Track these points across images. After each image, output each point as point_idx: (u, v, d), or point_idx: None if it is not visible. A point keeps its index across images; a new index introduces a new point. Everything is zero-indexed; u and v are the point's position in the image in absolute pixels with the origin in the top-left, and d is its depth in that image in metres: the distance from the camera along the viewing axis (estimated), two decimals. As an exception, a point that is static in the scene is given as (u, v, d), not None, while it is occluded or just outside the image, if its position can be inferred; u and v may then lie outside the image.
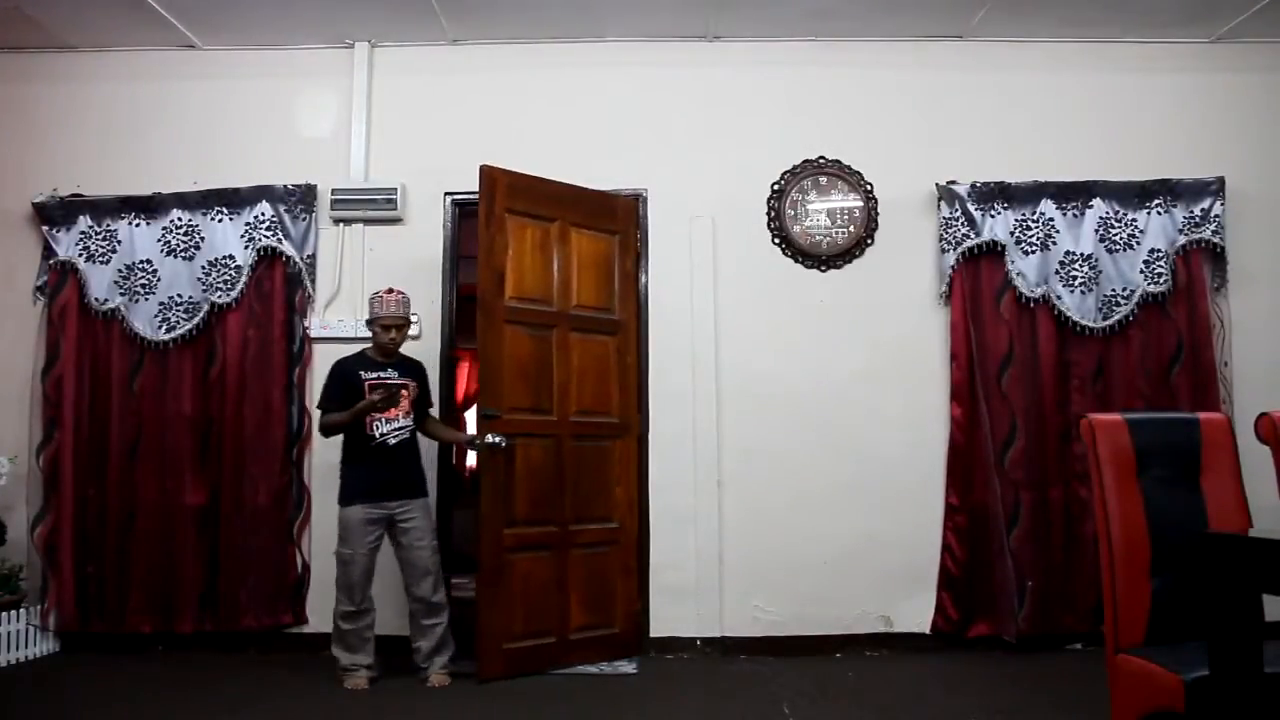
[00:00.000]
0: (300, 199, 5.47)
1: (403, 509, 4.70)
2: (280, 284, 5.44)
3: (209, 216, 5.46)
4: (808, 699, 4.40)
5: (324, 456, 5.34)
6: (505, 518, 4.83)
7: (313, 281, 5.48)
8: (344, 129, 5.61)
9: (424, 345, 5.36)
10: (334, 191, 5.47)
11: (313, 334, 5.45)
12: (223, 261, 5.41)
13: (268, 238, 5.41)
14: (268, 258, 5.45)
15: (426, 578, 4.72)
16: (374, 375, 4.72)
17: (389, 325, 4.75)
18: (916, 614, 5.26)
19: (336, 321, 5.45)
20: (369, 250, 5.51)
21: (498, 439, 4.73)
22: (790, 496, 5.31)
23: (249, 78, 5.68)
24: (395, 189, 5.44)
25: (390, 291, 4.77)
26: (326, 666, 4.94)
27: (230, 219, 5.45)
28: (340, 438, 4.75)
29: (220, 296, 5.38)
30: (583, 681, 4.76)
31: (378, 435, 4.67)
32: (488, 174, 4.94)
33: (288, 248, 5.42)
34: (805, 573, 5.27)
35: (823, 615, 5.24)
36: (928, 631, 5.25)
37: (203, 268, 5.41)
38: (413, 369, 4.89)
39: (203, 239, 5.45)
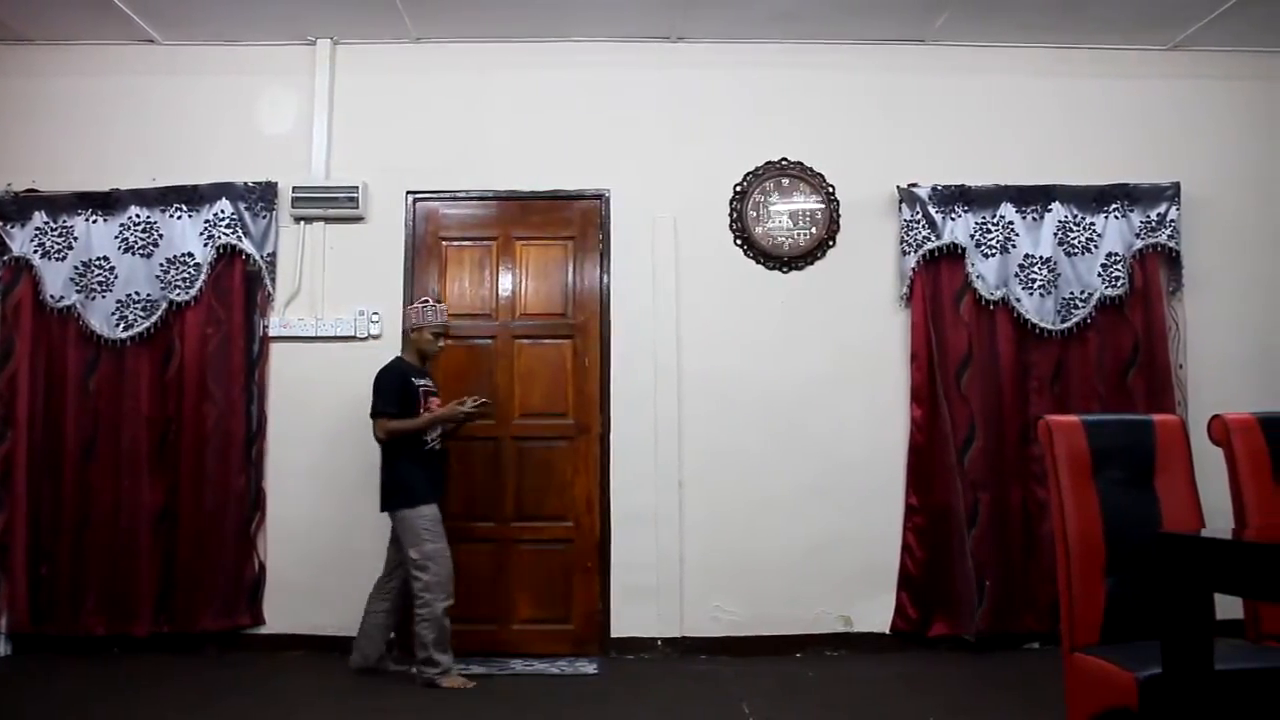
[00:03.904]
0: (261, 196, 5.41)
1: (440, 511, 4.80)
2: (240, 282, 5.37)
3: (168, 213, 5.39)
4: (768, 699, 4.41)
5: (282, 456, 5.34)
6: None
7: (273, 280, 5.43)
8: (305, 126, 5.55)
9: (385, 345, 5.32)
10: (295, 189, 5.41)
11: (272, 333, 5.39)
12: (181, 259, 5.34)
13: (227, 235, 5.34)
14: (227, 256, 5.38)
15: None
16: (423, 382, 4.83)
17: (439, 334, 4.88)
18: (876, 614, 5.28)
19: (297, 320, 5.40)
20: (330, 249, 5.47)
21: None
22: (751, 497, 5.32)
23: (209, 74, 5.61)
24: (357, 187, 5.40)
25: (440, 301, 4.94)
26: (286, 667, 4.98)
27: (189, 216, 5.39)
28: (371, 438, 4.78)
29: (179, 294, 5.31)
30: (543, 681, 4.76)
31: (429, 440, 4.78)
32: (424, 211, 5.51)
33: (247, 246, 5.36)
34: (766, 573, 5.28)
35: (783, 615, 5.25)
36: (887, 631, 5.27)
37: (161, 265, 5.35)
38: (432, 379, 4.96)
39: (161, 236, 5.37)
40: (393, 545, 4.81)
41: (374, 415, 4.70)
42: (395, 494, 4.69)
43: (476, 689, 4.57)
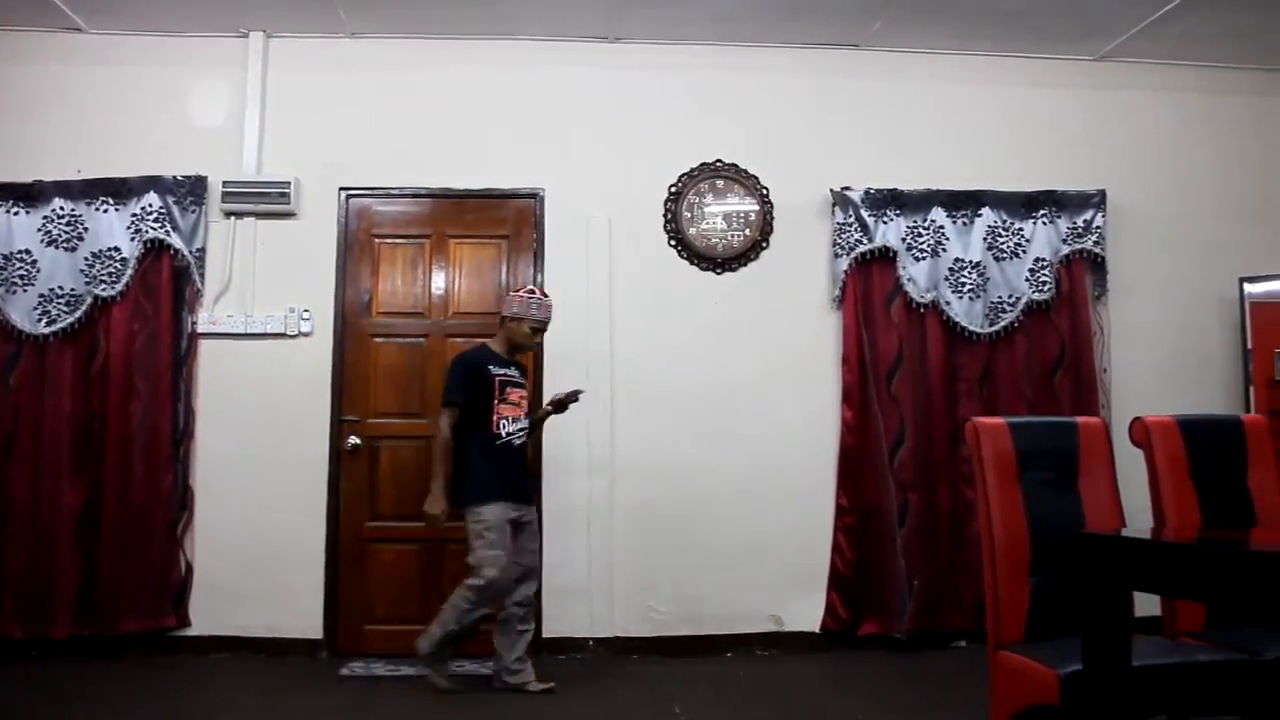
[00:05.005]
0: (190, 190, 5.31)
1: (526, 513, 4.61)
2: (168, 278, 5.26)
3: (93, 206, 5.26)
4: (699, 699, 4.44)
5: (210, 455, 5.24)
6: (368, 510, 5.28)
7: (202, 276, 5.33)
8: (237, 120, 5.45)
9: (315, 342, 5.30)
10: (225, 184, 5.32)
11: (201, 329, 5.30)
12: (107, 253, 5.22)
13: (155, 230, 5.23)
14: (155, 250, 5.26)
15: (532, 581, 4.64)
16: (502, 371, 4.59)
17: (539, 329, 4.67)
18: (807, 613, 5.32)
19: (225, 317, 5.31)
20: (260, 245, 5.38)
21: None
22: (683, 497, 5.33)
23: (138, 64, 5.49)
24: (289, 182, 5.32)
25: (546, 295, 4.70)
26: (210, 669, 4.91)
27: (116, 210, 5.26)
28: (450, 434, 4.51)
29: (104, 290, 5.19)
30: (474, 682, 4.71)
31: (504, 434, 4.54)
32: (357, 208, 5.48)
33: (176, 240, 5.26)
34: (698, 573, 5.30)
35: (715, 615, 5.28)
36: (818, 631, 5.32)
37: (86, 259, 5.21)
38: (523, 369, 4.79)
39: (86, 230, 5.24)
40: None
41: (442, 403, 4.53)
42: (458, 488, 4.49)
43: (460, 690, 4.49)
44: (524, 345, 4.70)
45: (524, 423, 4.65)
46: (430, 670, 4.49)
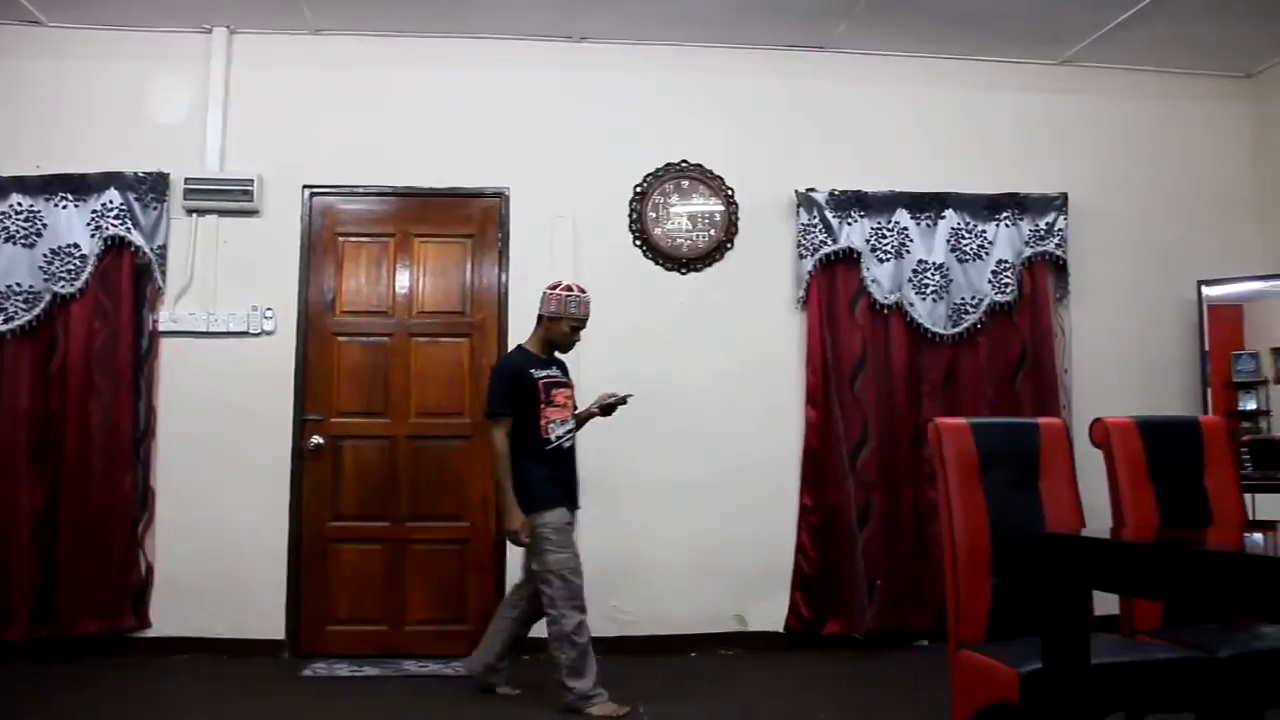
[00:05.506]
0: (151, 187, 5.25)
1: (574, 519, 4.45)
2: (128, 275, 5.20)
3: (52, 203, 5.19)
4: (663, 699, 4.43)
5: (172, 454, 5.19)
6: (331, 510, 5.23)
7: (163, 274, 5.27)
8: (200, 116, 5.39)
9: (278, 341, 5.26)
10: (188, 180, 5.26)
11: (162, 328, 5.24)
12: (66, 250, 5.15)
13: (116, 227, 5.17)
14: (115, 247, 5.19)
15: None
16: (545, 373, 4.39)
17: (578, 326, 4.47)
18: (771, 613, 5.34)
19: (187, 315, 5.26)
20: (223, 243, 5.33)
21: None
22: (648, 497, 5.34)
23: (99, 58, 5.42)
24: (252, 180, 5.27)
25: (584, 290, 4.47)
26: (170, 671, 4.84)
27: (76, 206, 5.20)
28: (507, 447, 4.29)
29: (63, 287, 5.12)
30: (437, 683, 4.72)
31: (554, 438, 4.36)
32: (320, 206, 5.44)
33: (137, 238, 5.20)
34: (662, 573, 5.30)
35: (679, 615, 5.29)
36: (781, 630, 5.34)
37: (44, 256, 5.14)
38: (565, 368, 4.61)
39: (45, 226, 5.17)
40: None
41: (488, 415, 4.35)
42: (519, 497, 4.27)
43: (629, 714, 4.22)
44: (563, 344, 4.51)
45: (571, 424, 4.49)
46: (594, 707, 4.20)
